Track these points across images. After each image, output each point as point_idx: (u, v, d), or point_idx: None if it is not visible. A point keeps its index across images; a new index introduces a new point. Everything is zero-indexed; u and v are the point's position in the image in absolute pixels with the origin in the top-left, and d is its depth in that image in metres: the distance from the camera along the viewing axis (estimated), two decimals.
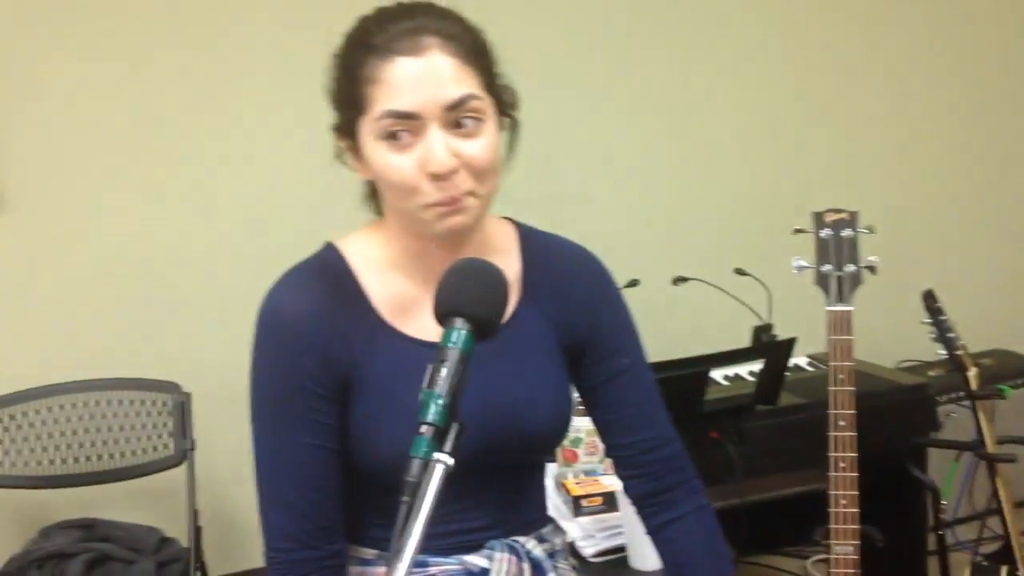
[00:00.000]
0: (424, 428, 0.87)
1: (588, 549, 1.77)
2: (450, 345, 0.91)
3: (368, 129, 1.03)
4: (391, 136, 1.02)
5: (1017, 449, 2.18)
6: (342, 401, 1.10)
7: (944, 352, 2.14)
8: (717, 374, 2.40)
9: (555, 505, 1.91)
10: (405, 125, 1.01)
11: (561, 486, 1.96)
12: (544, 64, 2.42)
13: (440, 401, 0.88)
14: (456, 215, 1.04)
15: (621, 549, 1.77)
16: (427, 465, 0.85)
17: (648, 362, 1.24)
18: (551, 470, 1.99)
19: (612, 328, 1.21)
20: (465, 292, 0.95)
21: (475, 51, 1.06)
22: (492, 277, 0.98)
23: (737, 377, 2.43)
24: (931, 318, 2.12)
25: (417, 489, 0.84)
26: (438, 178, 1.01)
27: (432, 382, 0.89)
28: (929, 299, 2.14)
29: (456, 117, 1.02)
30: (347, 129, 1.07)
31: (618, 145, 2.71)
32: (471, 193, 1.04)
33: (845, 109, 2.89)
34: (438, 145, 1.01)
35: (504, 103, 1.10)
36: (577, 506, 1.87)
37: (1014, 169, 3.03)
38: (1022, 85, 3.06)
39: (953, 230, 3.02)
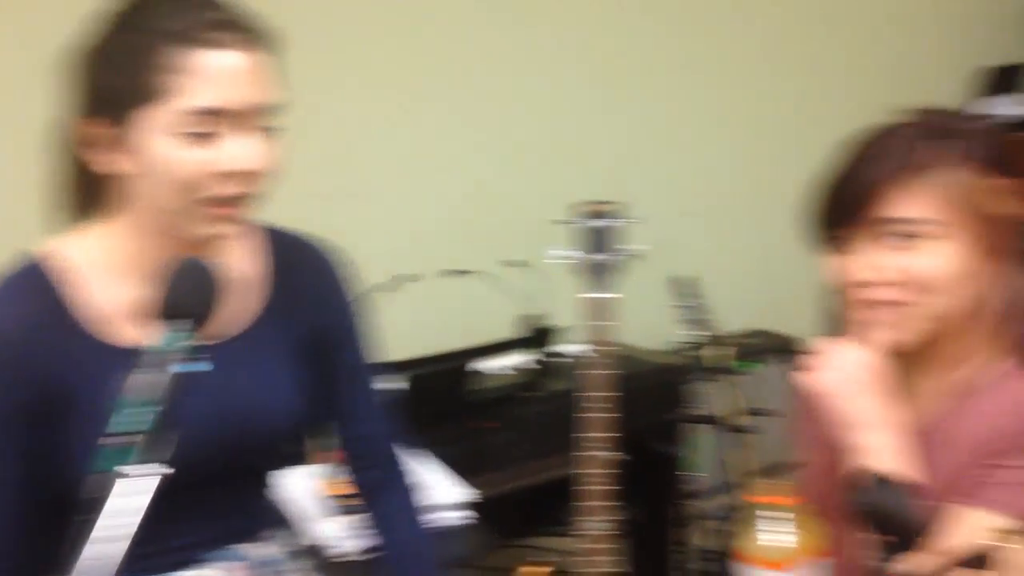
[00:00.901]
0: (121, 438, 0.82)
1: (347, 547, 1.76)
2: (158, 348, 0.87)
3: (158, 120, 0.96)
4: (193, 131, 0.95)
5: (765, 421, 2.36)
6: (45, 425, 1.02)
7: (695, 333, 2.29)
8: (489, 364, 2.43)
9: (315, 505, 1.88)
10: (212, 122, 0.96)
11: (321, 486, 1.93)
12: (321, 60, 2.36)
13: (144, 409, 0.83)
14: (232, 221, 1.01)
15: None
16: (121, 478, 0.80)
17: (370, 358, 1.27)
18: (313, 471, 1.96)
19: (347, 326, 1.22)
20: (175, 292, 0.91)
21: (272, 53, 1.03)
22: (202, 275, 0.94)
23: (507, 367, 2.47)
24: (680, 302, 2.26)
25: (105, 505, 0.79)
26: (230, 177, 0.98)
27: (138, 389, 0.84)
28: (678, 284, 2.28)
29: (259, 120, 0.99)
30: (116, 117, 0.98)
31: (390, 140, 2.68)
32: (249, 197, 1.01)
33: (618, 102, 2.99)
34: (247, 145, 0.97)
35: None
36: (336, 505, 1.85)
37: (773, 163, 3.25)
38: (779, 88, 3.29)
39: (722, 221, 3.19)
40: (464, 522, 1.80)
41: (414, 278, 2.18)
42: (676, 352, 2.73)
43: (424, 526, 1.29)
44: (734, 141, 3.21)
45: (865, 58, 3.45)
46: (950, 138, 1.15)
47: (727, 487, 2.43)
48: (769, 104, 3.26)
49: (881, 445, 1.13)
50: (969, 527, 1.05)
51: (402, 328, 2.20)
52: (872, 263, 1.15)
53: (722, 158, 3.19)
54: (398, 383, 2.02)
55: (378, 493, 1.26)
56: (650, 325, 2.61)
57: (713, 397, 2.42)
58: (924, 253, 1.13)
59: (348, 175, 2.60)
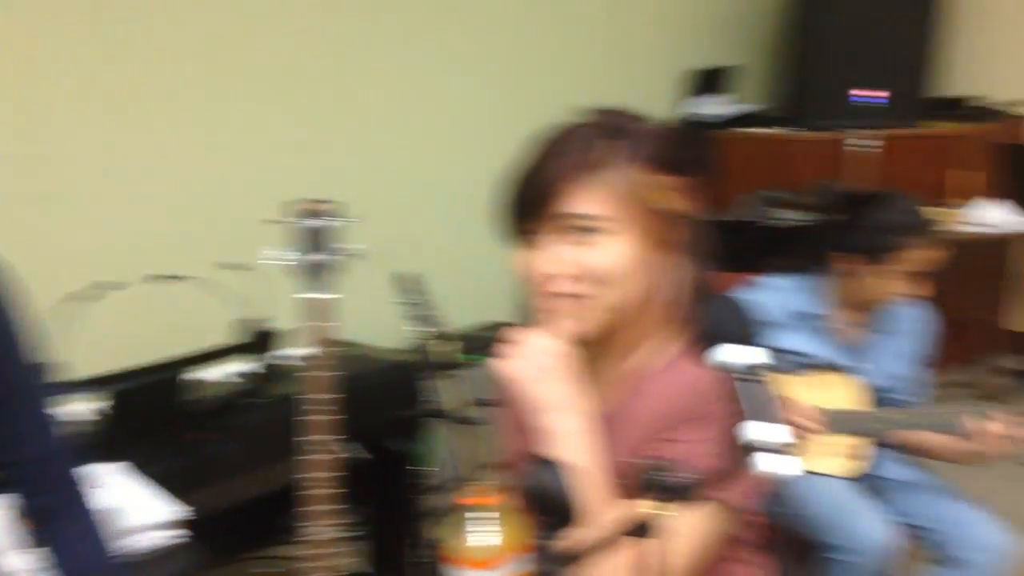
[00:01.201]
0: None
1: None
2: None
3: None
4: None
5: (492, 412, 2.42)
6: None
7: (421, 329, 2.31)
8: (208, 373, 2.33)
9: (6, 537, 1.72)
10: None
11: (14, 516, 1.77)
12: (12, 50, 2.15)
13: None
14: None
15: None
16: None
17: (39, 375, 1.18)
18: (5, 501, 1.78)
19: (3, 341, 1.11)
20: None
21: None
22: None
23: (229, 374, 2.37)
24: (404, 299, 2.27)
25: None
26: None
27: None
28: (401, 281, 2.28)
29: None
30: None
31: (91, 137, 2.50)
32: None
33: (337, 101, 2.97)
34: None
35: None
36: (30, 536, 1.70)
37: (494, 158, 3.32)
38: (496, 86, 3.38)
39: (451, 216, 3.24)
40: (174, 541, 1.71)
41: (118, 285, 2.04)
42: (407, 349, 2.75)
43: (106, 551, 1.22)
44: (452, 137, 3.28)
45: (581, 60, 3.63)
46: (621, 138, 1.22)
47: (459, 480, 2.48)
48: (484, 102, 3.36)
49: (566, 427, 1.19)
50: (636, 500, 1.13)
51: (106, 340, 2.06)
52: (553, 257, 1.20)
53: (441, 154, 3.25)
54: (101, 399, 1.89)
55: (51, 520, 1.19)
56: (383, 323, 2.61)
57: (443, 392, 2.45)
58: (599, 248, 1.19)
59: (41, 174, 2.40)
